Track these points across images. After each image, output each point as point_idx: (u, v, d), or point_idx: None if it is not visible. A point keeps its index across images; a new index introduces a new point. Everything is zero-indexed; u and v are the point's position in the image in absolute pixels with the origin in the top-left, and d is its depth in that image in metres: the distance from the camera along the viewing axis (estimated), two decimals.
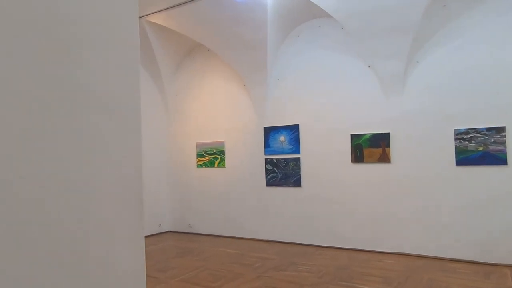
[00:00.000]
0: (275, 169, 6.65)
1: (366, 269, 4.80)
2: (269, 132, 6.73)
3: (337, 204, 6.04)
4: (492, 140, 4.94)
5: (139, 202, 1.04)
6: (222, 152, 7.27)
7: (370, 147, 5.76)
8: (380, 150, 5.68)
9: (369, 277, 4.49)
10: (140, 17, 6.43)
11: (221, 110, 7.32)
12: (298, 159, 6.43)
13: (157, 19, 6.48)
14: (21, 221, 0.76)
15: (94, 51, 0.94)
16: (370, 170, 5.78)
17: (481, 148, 5.01)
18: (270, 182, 6.70)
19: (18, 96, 0.77)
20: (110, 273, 0.96)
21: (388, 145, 5.62)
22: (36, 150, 0.80)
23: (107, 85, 0.97)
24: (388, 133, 5.62)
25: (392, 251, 5.55)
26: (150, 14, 6.34)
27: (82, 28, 0.92)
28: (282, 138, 6.59)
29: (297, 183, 6.43)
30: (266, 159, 6.75)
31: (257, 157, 6.85)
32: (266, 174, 6.75)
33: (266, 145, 6.75)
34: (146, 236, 7.07)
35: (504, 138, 4.86)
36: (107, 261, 0.95)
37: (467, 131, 5.09)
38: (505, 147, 4.85)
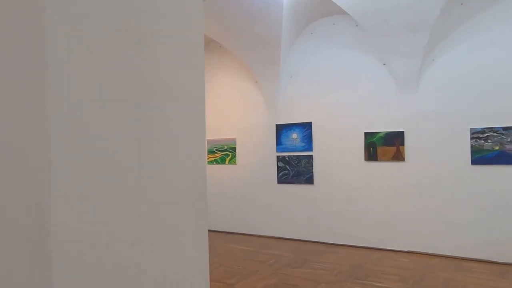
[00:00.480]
0: (287, 166, 6.65)
1: (381, 268, 4.80)
2: (281, 129, 6.72)
3: (349, 202, 6.04)
4: (509, 140, 4.91)
5: (204, 197, 1.04)
6: (233, 149, 7.27)
7: (384, 145, 5.75)
8: (394, 148, 5.67)
9: (385, 275, 4.49)
10: None
11: (233, 106, 7.31)
12: (310, 157, 6.42)
13: None
14: (102, 215, 0.76)
15: (163, 45, 0.94)
16: (383, 168, 5.76)
17: (497, 148, 4.99)
18: (282, 179, 6.70)
19: (98, 90, 0.77)
20: (180, 265, 0.96)
21: (403, 144, 5.61)
22: (119, 143, 0.80)
23: (177, 79, 0.97)
24: (403, 132, 5.60)
25: (405, 250, 5.55)
26: None
27: (152, 21, 0.91)
28: (294, 135, 6.58)
29: (309, 180, 6.42)
30: (278, 156, 6.75)
31: (269, 154, 6.85)
32: (277, 171, 6.74)
33: (278, 142, 6.75)
34: None
35: None
36: (177, 254, 0.95)
37: (483, 130, 5.07)
38: None
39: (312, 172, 6.40)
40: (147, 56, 0.88)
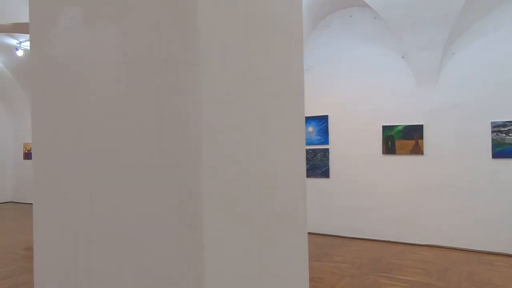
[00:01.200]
0: None
1: (403, 261, 4.81)
2: None
3: (366, 196, 6.03)
4: None
5: (304, 199, 1.03)
6: None
7: (402, 139, 5.73)
8: (413, 142, 5.65)
9: (408, 268, 4.50)
10: None
11: None
12: (326, 150, 6.40)
13: None
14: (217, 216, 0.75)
15: (276, 40, 0.92)
16: (402, 162, 5.75)
17: None
18: None
19: (237, 90, 0.75)
20: (282, 267, 0.95)
21: (421, 137, 5.59)
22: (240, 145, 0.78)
23: (287, 77, 0.95)
24: (422, 125, 5.58)
25: (424, 243, 5.55)
26: None
27: (271, 26, 0.89)
28: (310, 128, 6.56)
29: (325, 174, 6.41)
30: None
31: None
32: None
33: None
34: None
35: None
36: (282, 255, 0.94)
37: (504, 124, 5.05)
38: None
39: (328, 165, 6.39)
40: (265, 53, 0.86)
